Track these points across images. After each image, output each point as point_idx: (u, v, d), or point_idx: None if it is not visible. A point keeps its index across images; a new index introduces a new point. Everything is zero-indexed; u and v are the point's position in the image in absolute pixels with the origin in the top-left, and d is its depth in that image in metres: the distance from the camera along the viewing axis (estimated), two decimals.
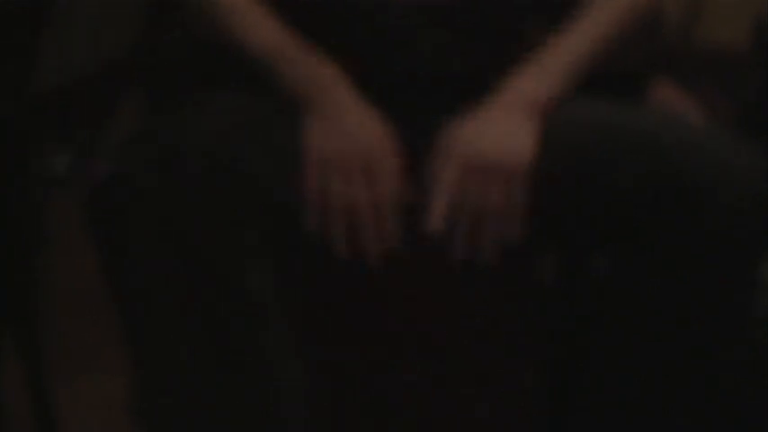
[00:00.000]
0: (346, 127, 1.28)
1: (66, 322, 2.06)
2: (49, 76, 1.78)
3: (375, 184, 1.27)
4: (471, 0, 1.38)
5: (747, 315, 1.28)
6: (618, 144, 1.27)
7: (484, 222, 1.26)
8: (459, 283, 1.38)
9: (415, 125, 1.35)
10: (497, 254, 1.27)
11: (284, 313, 1.25)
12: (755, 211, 1.22)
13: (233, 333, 1.21)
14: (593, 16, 1.37)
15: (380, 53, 1.38)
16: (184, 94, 1.47)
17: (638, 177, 1.24)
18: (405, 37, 1.37)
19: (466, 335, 1.42)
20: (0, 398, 1.74)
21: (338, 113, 1.29)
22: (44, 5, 1.67)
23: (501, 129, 1.29)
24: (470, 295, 1.40)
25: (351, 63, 1.35)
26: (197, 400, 1.21)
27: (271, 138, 1.29)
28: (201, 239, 1.19)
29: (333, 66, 1.32)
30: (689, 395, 1.28)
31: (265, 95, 1.33)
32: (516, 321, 1.43)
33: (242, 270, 1.21)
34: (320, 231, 1.27)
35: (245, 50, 1.34)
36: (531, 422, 1.45)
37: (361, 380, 1.40)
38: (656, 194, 1.23)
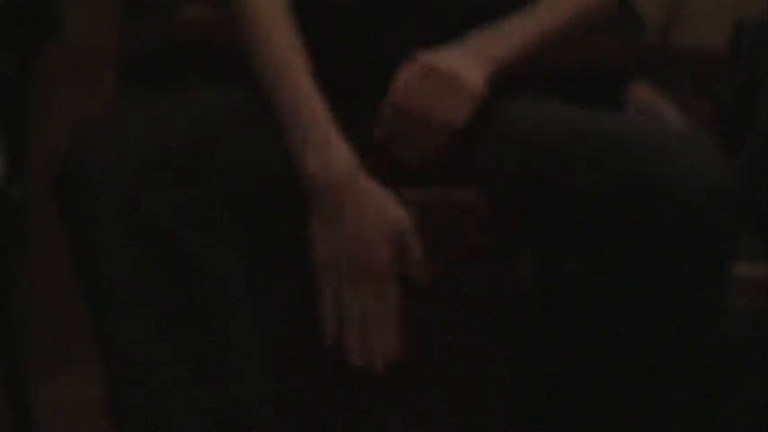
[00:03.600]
0: (356, 232, 1.27)
1: (44, 322, 2.06)
2: None
3: (384, 293, 1.28)
4: (462, 3, 1.41)
5: (718, 311, 1.29)
6: (585, 145, 1.28)
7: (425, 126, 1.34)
8: (436, 283, 1.38)
9: None
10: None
11: (254, 304, 1.25)
12: (721, 211, 1.23)
13: (201, 323, 1.21)
14: (549, 6, 1.43)
15: (373, 52, 1.39)
16: (161, 86, 1.48)
17: (604, 178, 1.25)
18: (396, 37, 1.39)
19: (443, 336, 1.42)
20: None
21: (348, 214, 1.28)
22: None
23: (458, 59, 1.36)
24: (447, 296, 1.40)
25: (339, 60, 1.36)
26: (162, 393, 1.21)
27: (241, 126, 1.29)
28: (169, 226, 1.18)
29: (350, 154, 1.31)
30: (663, 392, 1.28)
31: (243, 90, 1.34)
32: (493, 322, 1.43)
33: (212, 258, 1.21)
34: (337, 341, 1.28)
35: (276, 106, 1.33)
36: (509, 421, 1.45)
37: (334, 378, 1.40)
38: (622, 195, 1.24)
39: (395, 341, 1.29)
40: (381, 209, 1.29)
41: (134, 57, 1.61)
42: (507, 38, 1.39)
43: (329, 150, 1.29)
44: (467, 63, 1.35)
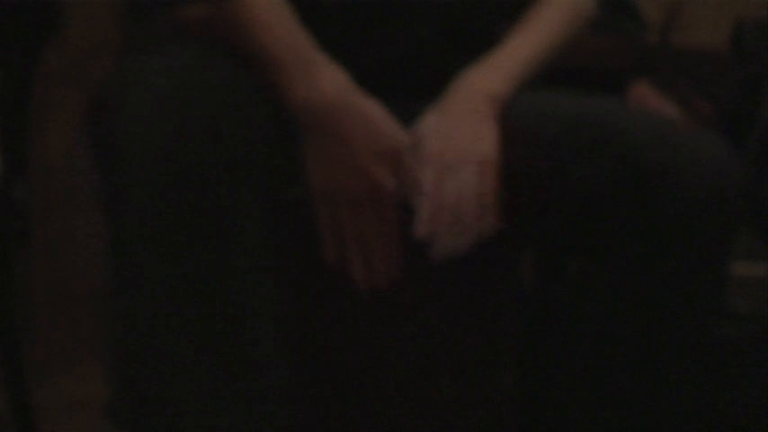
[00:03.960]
0: (348, 156, 1.25)
1: (44, 322, 2.06)
2: None
3: (382, 212, 1.27)
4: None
5: (717, 310, 1.29)
6: (585, 137, 1.28)
7: (462, 217, 1.26)
8: (438, 281, 1.38)
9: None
10: (475, 249, 1.28)
11: (272, 267, 1.21)
12: (724, 199, 1.23)
13: (223, 283, 1.15)
14: (540, 25, 1.41)
15: (361, 45, 1.38)
16: None
17: (604, 169, 1.26)
18: (384, 30, 1.38)
19: (444, 333, 1.42)
20: None
21: (341, 139, 1.25)
22: None
23: (468, 127, 1.30)
24: (449, 294, 1.40)
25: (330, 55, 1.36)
26: (177, 355, 1.15)
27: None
28: (204, 178, 1.13)
29: (340, 75, 1.28)
30: (662, 390, 1.29)
31: None
32: (494, 320, 1.44)
33: (240, 213, 1.16)
34: (339, 261, 1.27)
35: (258, 48, 1.28)
36: (509, 420, 1.46)
37: (337, 372, 1.41)
38: (623, 185, 1.25)
39: (397, 255, 1.28)
40: (374, 129, 1.26)
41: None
42: (506, 70, 1.36)
43: (315, 73, 1.26)
44: (478, 128, 1.31)
